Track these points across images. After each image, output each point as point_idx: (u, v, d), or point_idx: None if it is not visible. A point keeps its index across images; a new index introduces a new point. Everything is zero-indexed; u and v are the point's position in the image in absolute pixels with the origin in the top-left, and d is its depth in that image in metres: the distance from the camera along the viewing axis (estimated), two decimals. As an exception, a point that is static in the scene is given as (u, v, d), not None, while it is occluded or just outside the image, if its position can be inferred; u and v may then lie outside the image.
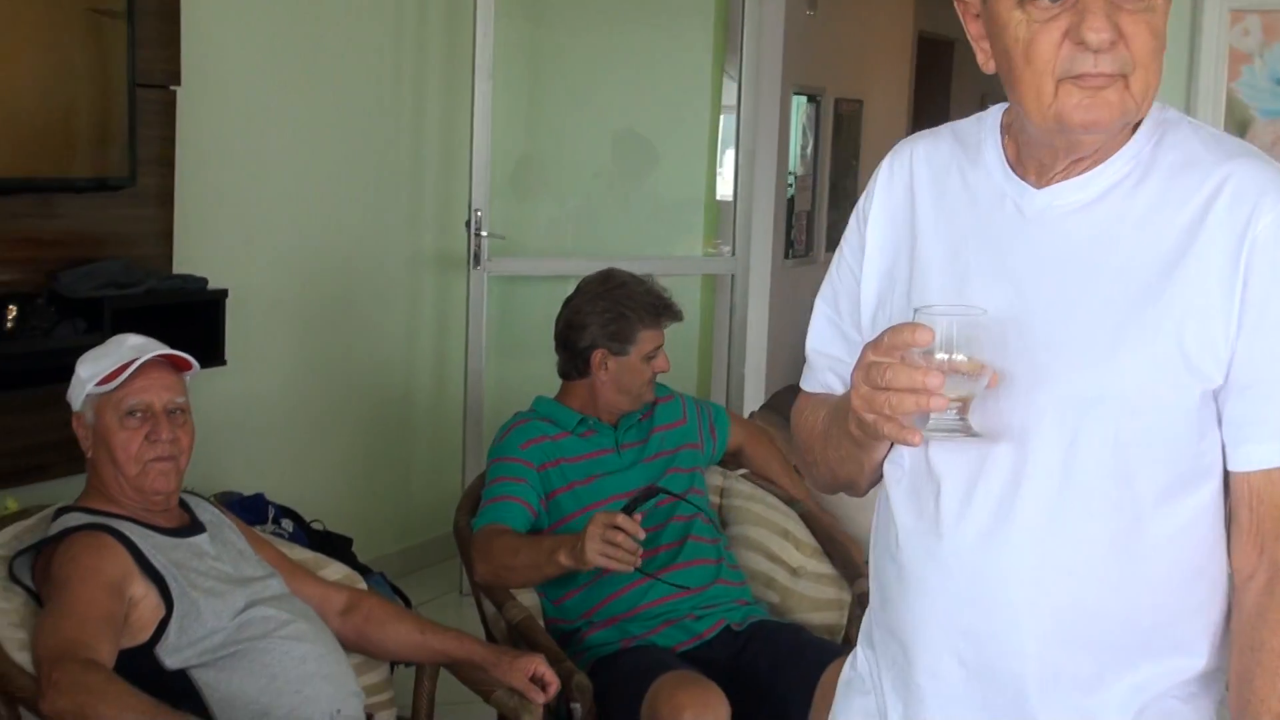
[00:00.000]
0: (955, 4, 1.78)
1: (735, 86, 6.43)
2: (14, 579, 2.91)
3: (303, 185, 5.31)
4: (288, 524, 4.35)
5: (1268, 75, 4.58)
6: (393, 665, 3.33)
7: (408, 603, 4.30)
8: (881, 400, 1.60)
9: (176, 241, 4.61)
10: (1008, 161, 1.80)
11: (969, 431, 1.64)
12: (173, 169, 4.57)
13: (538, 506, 3.49)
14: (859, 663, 1.97)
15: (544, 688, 3.07)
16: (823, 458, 1.91)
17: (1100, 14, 1.63)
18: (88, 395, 2.97)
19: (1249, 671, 1.69)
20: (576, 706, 3.16)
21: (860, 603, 3.57)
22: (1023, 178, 1.78)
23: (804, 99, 8.22)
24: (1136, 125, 1.74)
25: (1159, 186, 1.72)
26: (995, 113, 1.84)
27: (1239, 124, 4.55)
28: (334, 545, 4.37)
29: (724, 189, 6.72)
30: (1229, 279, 1.67)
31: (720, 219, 6.70)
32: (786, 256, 8.01)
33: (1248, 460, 1.70)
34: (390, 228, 5.80)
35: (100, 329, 4.08)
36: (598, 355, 3.61)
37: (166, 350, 3.00)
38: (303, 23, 5.27)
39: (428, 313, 6.06)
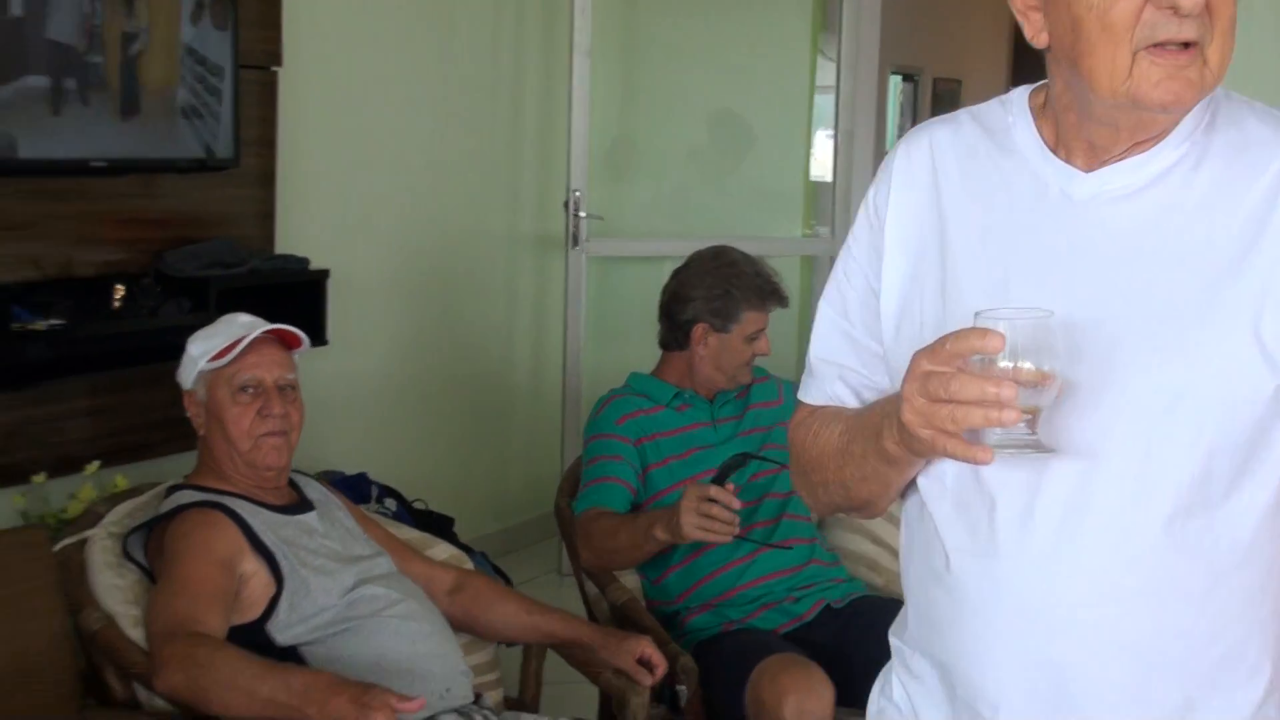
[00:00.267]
0: None
1: (832, 66, 6.39)
2: (127, 556, 2.93)
3: (403, 166, 5.32)
4: (391, 503, 4.36)
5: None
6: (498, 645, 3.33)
7: (509, 583, 4.29)
8: (943, 414, 1.43)
9: (278, 222, 4.63)
10: (1045, 145, 1.65)
11: (1040, 447, 1.48)
12: (274, 149, 4.59)
13: (636, 483, 3.47)
14: (894, 692, 1.80)
15: (651, 670, 3.06)
16: (836, 477, 1.73)
17: None
18: (199, 373, 2.98)
19: None
20: (682, 689, 3.14)
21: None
22: (1066, 161, 1.63)
23: (899, 79, 8.15)
24: None
25: (1218, 168, 1.59)
26: (1020, 96, 1.71)
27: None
28: (436, 525, 4.37)
29: (818, 170, 6.67)
30: None
31: (817, 200, 6.66)
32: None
33: None
34: (489, 208, 5.80)
35: (205, 308, 4.11)
36: (699, 329, 3.58)
37: (276, 326, 3.01)
38: (402, 3, 5.27)
39: (526, 293, 6.06)
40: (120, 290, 4.01)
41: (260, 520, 2.89)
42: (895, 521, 3.75)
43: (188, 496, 2.92)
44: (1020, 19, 1.64)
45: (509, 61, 5.86)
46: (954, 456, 1.46)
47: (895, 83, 8.05)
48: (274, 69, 4.55)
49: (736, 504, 3.15)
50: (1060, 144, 1.64)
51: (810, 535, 3.60)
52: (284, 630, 2.80)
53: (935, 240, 1.68)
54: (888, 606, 3.43)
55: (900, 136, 7.77)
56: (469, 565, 3.36)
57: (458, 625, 3.10)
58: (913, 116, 8.37)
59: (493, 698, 3.13)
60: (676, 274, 3.69)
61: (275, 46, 4.53)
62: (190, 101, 4.12)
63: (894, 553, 3.66)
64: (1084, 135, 1.61)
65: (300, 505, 3.03)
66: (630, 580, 3.50)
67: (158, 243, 4.22)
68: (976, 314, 1.47)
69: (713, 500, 3.13)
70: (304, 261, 4.51)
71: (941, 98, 8.69)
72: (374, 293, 5.18)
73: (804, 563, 3.52)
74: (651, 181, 6.72)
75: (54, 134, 3.77)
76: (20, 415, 3.97)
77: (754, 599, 3.45)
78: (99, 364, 4.08)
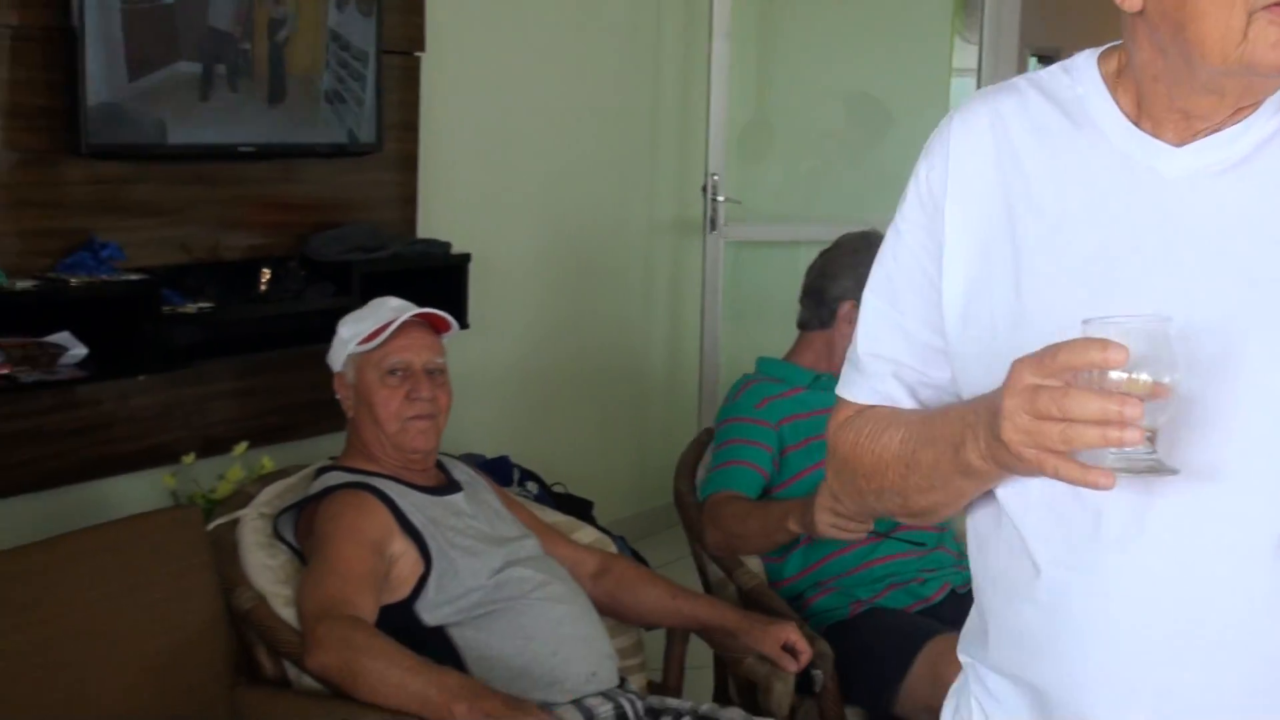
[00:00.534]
0: None
1: (968, 48, 6.31)
2: (278, 536, 2.96)
3: (542, 150, 5.34)
4: (532, 486, 4.38)
5: None
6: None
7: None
8: (1054, 434, 1.27)
9: (420, 206, 4.66)
10: (1126, 117, 1.48)
11: (1161, 468, 1.31)
12: (416, 134, 4.63)
13: (769, 469, 3.45)
14: (972, 715, 1.65)
15: (796, 656, 3.03)
16: (895, 485, 1.56)
17: None
18: (349, 355, 3.01)
19: None
20: (818, 673, 3.11)
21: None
22: (1151, 134, 1.46)
23: (1035, 60, 8.04)
24: None
25: None
26: (1086, 62, 1.53)
27: None
28: (576, 508, 4.38)
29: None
30: None
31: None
32: (1020, 222, 7.83)
33: None
34: (627, 192, 5.80)
35: (348, 292, 4.15)
36: (846, 306, 3.55)
37: (425, 310, 3.02)
38: (542, -12, 5.29)
39: (663, 277, 6.05)
40: (266, 274, 4.06)
41: (409, 501, 2.91)
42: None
43: (337, 478, 2.94)
44: None
45: (648, 45, 5.85)
46: (1066, 479, 1.29)
47: (1033, 65, 7.94)
48: (417, 54, 4.58)
49: None
50: (1144, 115, 1.47)
51: (941, 525, 3.56)
52: (432, 610, 2.81)
53: (1004, 226, 1.50)
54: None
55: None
56: (612, 549, 3.36)
57: (602, 609, 3.10)
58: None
59: (637, 682, 3.12)
60: (824, 254, 3.68)
61: (418, 32, 4.57)
62: (334, 87, 4.16)
63: None
64: (1178, 105, 1.44)
65: (448, 487, 3.05)
66: (752, 562, 3.48)
67: (302, 227, 4.28)
68: (1085, 321, 1.31)
69: None
70: (445, 246, 4.54)
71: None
72: (513, 277, 5.21)
73: (934, 546, 3.49)
74: (787, 165, 6.67)
75: (202, 120, 3.83)
76: (169, 397, 4.05)
77: (881, 577, 3.42)
78: (245, 346, 4.15)
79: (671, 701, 2.97)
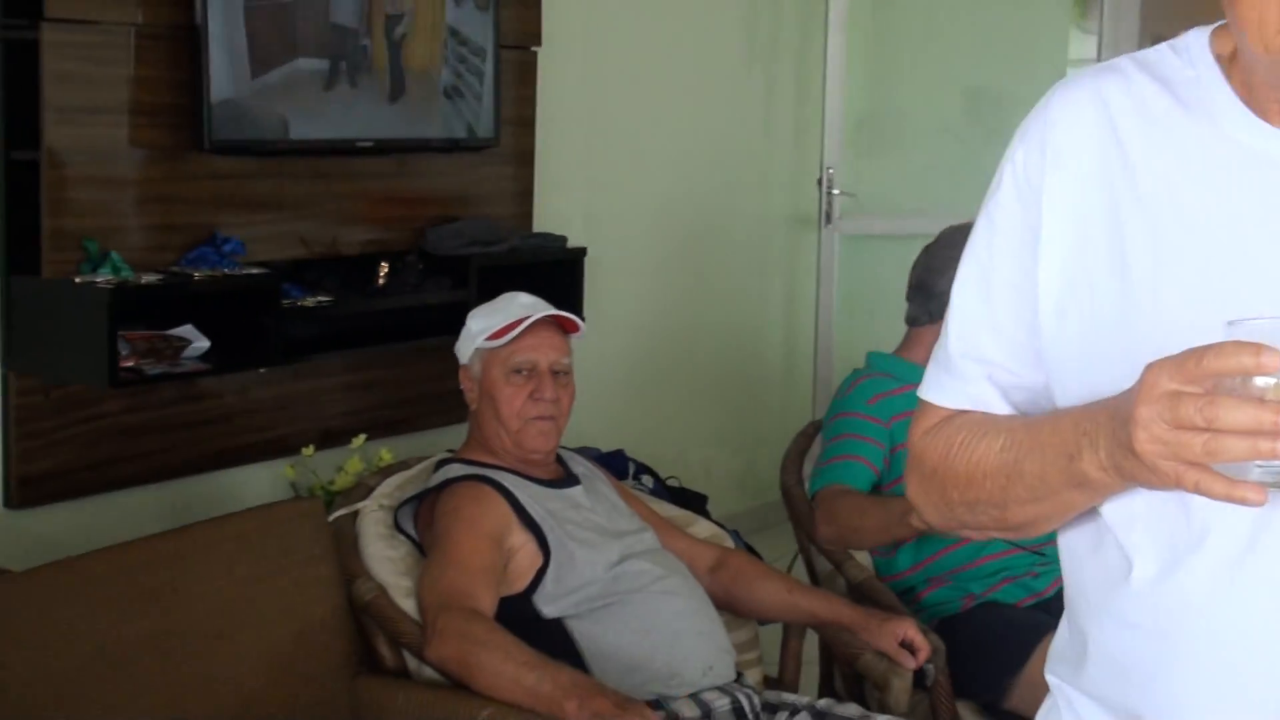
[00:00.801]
0: None
1: (1086, 38, 6.23)
2: (398, 528, 2.99)
3: (657, 144, 5.34)
4: (647, 480, 4.38)
5: None
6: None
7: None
8: (1195, 445, 1.15)
9: (536, 200, 4.68)
10: (1244, 103, 1.36)
11: None
12: (533, 129, 4.64)
13: (881, 465, 3.43)
14: None
15: (914, 652, 3.01)
16: (992, 497, 1.45)
17: None
18: (477, 349, 3.02)
19: None
20: (930, 668, 3.08)
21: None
22: (1264, 120, 1.35)
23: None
24: None
25: None
26: (1198, 41, 1.42)
27: None
28: (689, 503, 4.37)
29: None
30: None
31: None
32: (1140, 215, 7.74)
33: None
34: (741, 186, 5.79)
35: (465, 286, 4.18)
36: None
37: (556, 311, 3.04)
38: (657, -18, 5.30)
39: (777, 272, 6.04)
40: (384, 268, 4.10)
41: (527, 493, 2.92)
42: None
43: (457, 470, 2.96)
44: None
45: (764, 38, 5.83)
46: (1208, 494, 1.17)
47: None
48: (533, 49, 4.60)
49: None
50: (1254, 100, 1.36)
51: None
52: (550, 602, 2.82)
53: (1105, 215, 1.39)
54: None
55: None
56: (729, 543, 3.35)
57: (718, 603, 3.09)
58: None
59: (753, 676, 3.12)
60: (928, 249, 3.64)
61: (535, 27, 4.58)
62: (452, 82, 4.19)
63: None
64: (1275, 95, 1.34)
65: (566, 480, 3.06)
66: (861, 556, 3.46)
67: (419, 221, 4.31)
68: (1230, 323, 1.19)
69: None
70: (561, 240, 4.55)
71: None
72: (628, 270, 5.21)
73: (1046, 541, 3.45)
74: (902, 159, 6.63)
75: (322, 115, 3.88)
76: (289, 390, 4.10)
77: (995, 571, 3.39)
78: (363, 340, 4.19)
79: (788, 696, 2.96)
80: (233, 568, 2.69)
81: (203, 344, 3.70)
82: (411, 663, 2.83)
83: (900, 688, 3.01)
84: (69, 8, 3.45)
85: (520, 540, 2.85)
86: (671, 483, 4.59)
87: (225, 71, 3.62)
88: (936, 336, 3.76)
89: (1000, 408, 1.48)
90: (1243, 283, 1.32)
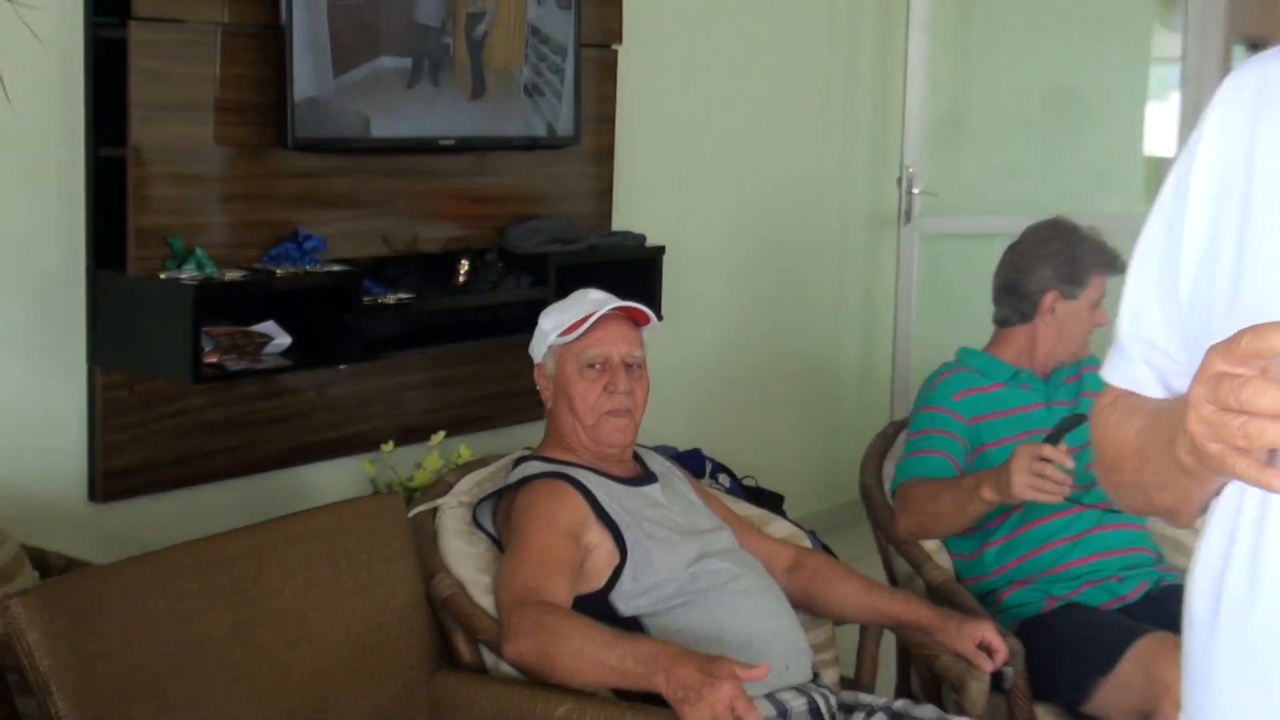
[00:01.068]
0: None
1: (1170, 36, 6.17)
2: (477, 524, 3.00)
3: (736, 142, 5.34)
4: (724, 479, 4.38)
5: None
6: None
7: (838, 562, 4.27)
8: (1234, 427, 1.12)
9: (615, 199, 4.69)
10: None
11: None
12: (613, 127, 4.65)
13: (962, 461, 3.41)
14: None
15: (991, 655, 2.99)
16: (1135, 479, 1.44)
17: None
18: (549, 347, 3.03)
19: None
20: (1008, 670, 3.06)
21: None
22: None
23: (1243, 49, 7.82)
24: None
25: None
26: None
27: None
28: (766, 502, 4.37)
29: (1152, 144, 6.46)
30: None
31: (1158, 176, 6.43)
32: (1223, 214, 7.66)
33: None
34: (821, 183, 5.78)
35: (545, 284, 4.19)
36: (1049, 297, 3.52)
37: (625, 303, 3.04)
38: (738, -20, 5.29)
39: (856, 271, 6.02)
40: (464, 265, 4.12)
41: (605, 491, 2.92)
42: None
43: (535, 467, 2.97)
44: None
45: (845, 37, 5.82)
46: (1244, 479, 1.14)
47: (1239, 53, 7.72)
48: (614, 47, 4.61)
49: (1070, 463, 3.06)
50: None
51: (1142, 522, 3.51)
52: (627, 601, 2.83)
53: (1238, 201, 1.37)
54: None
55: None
56: (806, 543, 3.35)
57: (795, 603, 3.09)
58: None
59: (830, 676, 3.11)
60: (1013, 248, 3.63)
61: (616, 24, 4.59)
62: (533, 80, 4.20)
63: (1197, 533, 3.55)
64: None
65: (644, 477, 3.06)
66: (941, 557, 3.45)
67: (498, 219, 4.33)
68: None
69: (1045, 460, 3.06)
70: (640, 238, 4.56)
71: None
72: (706, 269, 5.21)
73: (1132, 547, 3.43)
74: (983, 157, 6.58)
75: (404, 114, 3.90)
76: (368, 386, 4.13)
77: (1080, 575, 3.38)
78: (442, 337, 4.21)
79: (865, 697, 2.95)
80: (313, 562, 2.71)
81: (284, 340, 3.73)
82: (489, 659, 2.84)
83: (977, 690, 3.00)
84: (156, 6, 3.49)
85: (597, 538, 2.85)
86: (748, 482, 4.59)
87: (309, 70, 3.65)
88: (1028, 336, 3.79)
89: (1154, 390, 1.47)
90: None
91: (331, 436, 4.06)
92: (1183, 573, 3.47)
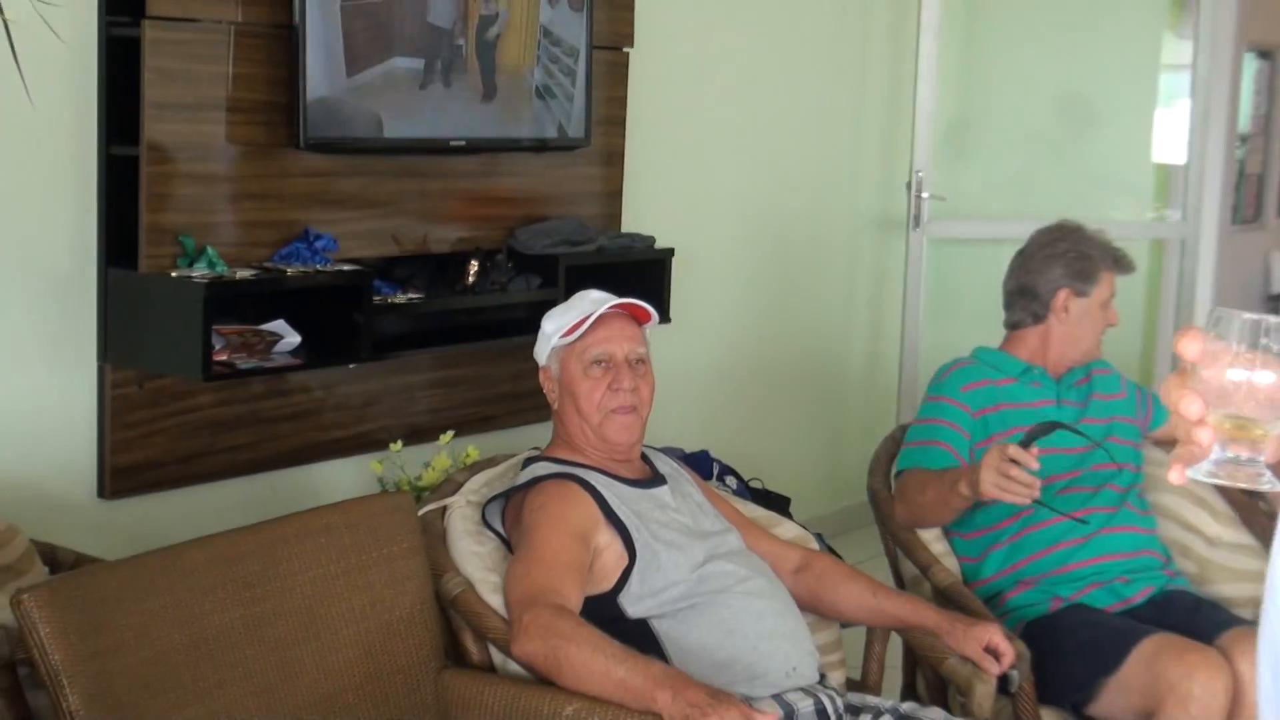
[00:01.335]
0: None
1: (1183, 44, 6.18)
2: (486, 524, 3.01)
3: (746, 146, 5.35)
4: (731, 481, 4.39)
5: None
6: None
7: (845, 565, 4.28)
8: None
9: (625, 201, 4.70)
10: None
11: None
12: (624, 129, 4.66)
13: (965, 453, 3.43)
14: None
15: (998, 658, 3.00)
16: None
17: None
18: (553, 348, 3.04)
19: None
20: (1014, 673, 3.07)
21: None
22: None
23: (1253, 56, 7.83)
24: None
25: None
26: None
27: None
28: (773, 504, 4.38)
29: (1161, 151, 6.47)
30: None
31: (1167, 183, 6.45)
32: (1233, 221, 7.68)
33: None
34: (830, 187, 5.79)
35: (554, 285, 4.20)
36: (1062, 295, 3.55)
37: (625, 300, 3.05)
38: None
39: (864, 274, 6.03)
40: (474, 266, 4.13)
41: (614, 493, 2.93)
42: (1205, 506, 3.69)
43: (544, 468, 2.98)
44: None
45: (855, 41, 5.83)
46: None
47: (1249, 62, 7.73)
48: (625, 50, 4.62)
49: (1035, 465, 3.07)
50: None
51: (1151, 526, 3.53)
52: (635, 602, 2.83)
53: None
54: (1200, 604, 3.36)
55: (1253, 116, 7.45)
56: (813, 545, 3.35)
57: (802, 605, 3.09)
58: (1268, 95, 8.03)
59: (836, 678, 3.11)
60: (1021, 254, 3.68)
61: (628, 27, 4.60)
62: (545, 82, 4.21)
63: (1207, 540, 3.59)
64: None
65: (653, 479, 3.06)
66: (949, 560, 3.46)
67: (509, 220, 4.34)
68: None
69: (1013, 462, 3.08)
70: (650, 240, 4.57)
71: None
72: (715, 272, 5.22)
73: (1139, 550, 3.45)
74: (992, 163, 6.59)
75: (416, 114, 3.91)
76: (377, 385, 4.14)
77: (1085, 576, 3.40)
78: (452, 337, 4.22)
79: (871, 699, 2.95)
80: (324, 559, 2.72)
81: (294, 339, 3.74)
82: (497, 657, 2.84)
83: (984, 693, 3.00)
84: (170, 6, 3.50)
85: (606, 539, 2.86)
86: (755, 484, 4.60)
87: (321, 70, 3.66)
88: (1040, 336, 3.81)
89: None
90: None
91: (340, 435, 4.08)
92: (1190, 578, 3.50)
